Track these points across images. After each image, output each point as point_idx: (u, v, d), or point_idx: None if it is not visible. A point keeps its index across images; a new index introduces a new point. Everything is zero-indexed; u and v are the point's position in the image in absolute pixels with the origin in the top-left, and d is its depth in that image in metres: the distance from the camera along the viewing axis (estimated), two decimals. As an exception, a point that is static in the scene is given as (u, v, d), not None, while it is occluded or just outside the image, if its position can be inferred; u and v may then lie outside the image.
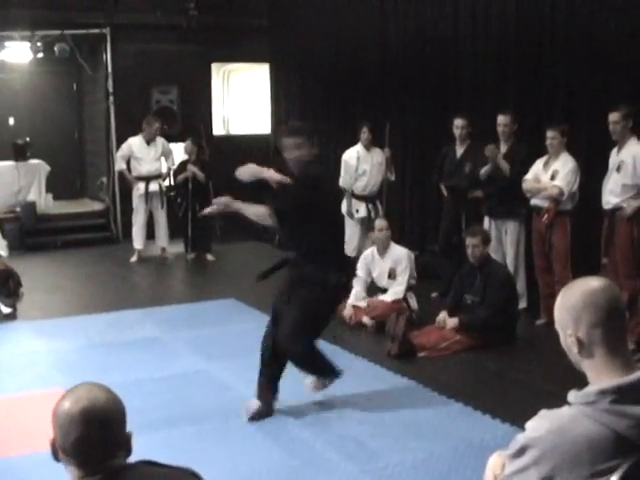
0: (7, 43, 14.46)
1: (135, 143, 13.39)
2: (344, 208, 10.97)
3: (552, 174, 8.73)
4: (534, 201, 8.93)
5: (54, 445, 2.49)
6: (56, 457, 2.50)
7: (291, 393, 6.91)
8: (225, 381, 7.41)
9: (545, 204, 8.77)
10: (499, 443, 5.42)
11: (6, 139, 15.95)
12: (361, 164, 11.01)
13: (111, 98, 15.38)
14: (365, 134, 11.00)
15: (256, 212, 6.49)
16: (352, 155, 11.09)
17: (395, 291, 9.20)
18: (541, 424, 2.57)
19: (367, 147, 11.05)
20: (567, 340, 2.66)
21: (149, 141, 13.34)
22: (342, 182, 11.04)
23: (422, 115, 11.88)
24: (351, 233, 10.91)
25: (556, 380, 6.66)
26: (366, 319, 9.04)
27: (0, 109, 16.66)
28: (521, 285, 9.44)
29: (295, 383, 6.69)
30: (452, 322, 8.34)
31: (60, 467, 5.67)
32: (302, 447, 5.93)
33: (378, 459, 5.68)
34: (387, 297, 9.22)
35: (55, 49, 14.47)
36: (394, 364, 7.76)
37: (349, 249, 11.24)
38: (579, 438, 2.48)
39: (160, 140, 13.52)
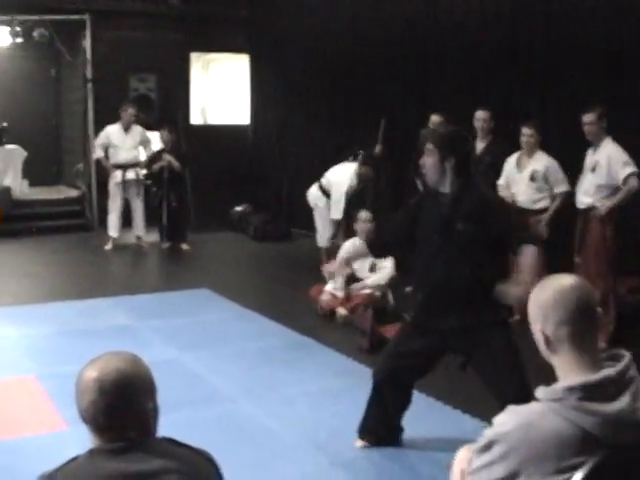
0: (-14, 27, 14.36)
1: (113, 131, 13.32)
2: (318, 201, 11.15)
3: (532, 174, 8.74)
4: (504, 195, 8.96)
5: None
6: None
7: (261, 383, 6.95)
8: (196, 371, 7.39)
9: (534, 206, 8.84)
10: (469, 438, 5.43)
11: (-17, 124, 15.88)
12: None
13: (89, 85, 15.27)
14: None
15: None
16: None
17: (378, 277, 9.20)
18: (509, 419, 2.59)
19: None
20: (537, 336, 2.69)
21: (127, 129, 13.29)
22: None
23: (401, 110, 11.88)
24: (324, 224, 11.09)
25: (529, 377, 6.69)
26: (340, 309, 9.05)
27: (-23, 94, 16.59)
28: (497, 283, 9.47)
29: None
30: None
31: (28, 454, 5.65)
32: (270, 436, 5.94)
33: (348, 451, 5.68)
34: (369, 281, 9.23)
35: (34, 34, 14.37)
36: (366, 358, 7.77)
37: (323, 239, 11.29)
38: (546, 434, 2.50)
39: (138, 128, 13.46)
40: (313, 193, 11.24)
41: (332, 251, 10.86)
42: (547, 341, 2.65)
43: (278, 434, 6.00)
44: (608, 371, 2.57)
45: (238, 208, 15.49)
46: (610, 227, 8.12)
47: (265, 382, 7.06)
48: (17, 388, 6.98)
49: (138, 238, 13.66)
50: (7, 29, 14.45)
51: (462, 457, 2.89)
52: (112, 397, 2.47)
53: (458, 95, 10.74)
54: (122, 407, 2.48)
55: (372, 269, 9.30)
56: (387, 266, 9.21)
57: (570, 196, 8.66)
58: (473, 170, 8.82)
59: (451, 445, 5.61)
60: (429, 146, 5.36)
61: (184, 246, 13.54)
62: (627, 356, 2.65)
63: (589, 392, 2.50)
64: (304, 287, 10.02)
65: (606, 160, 8.01)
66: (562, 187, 8.71)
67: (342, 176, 10.86)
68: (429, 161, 5.35)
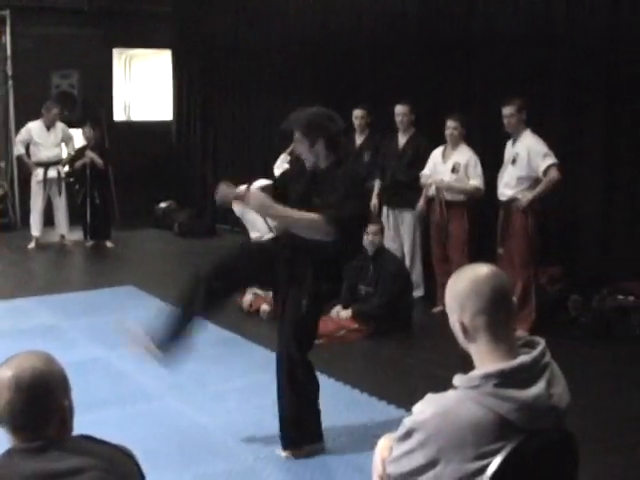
0: None
1: (34, 128, 13.16)
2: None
3: (453, 166, 8.87)
4: (432, 192, 9.08)
5: None
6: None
7: (189, 380, 6.95)
8: (123, 369, 7.34)
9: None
10: (395, 428, 5.49)
11: None
12: None
13: (10, 82, 15.07)
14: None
15: (309, 221, 5.18)
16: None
17: None
18: (427, 407, 2.63)
19: None
20: (454, 325, 2.74)
21: (49, 126, 13.15)
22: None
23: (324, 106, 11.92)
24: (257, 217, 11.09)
25: (450, 366, 6.77)
26: (264, 305, 9.06)
27: None
28: (418, 274, 9.59)
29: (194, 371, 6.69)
30: (346, 314, 8.43)
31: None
32: (198, 433, 5.95)
33: (275, 445, 5.70)
34: None
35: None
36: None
37: (263, 231, 11.22)
38: (464, 421, 2.54)
39: (60, 125, 13.33)
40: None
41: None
42: (464, 330, 2.69)
43: (206, 430, 6.00)
44: (524, 358, 2.62)
45: (162, 204, 15.42)
46: (532, 218, 8.24)
47: (193, 378, 7.04)
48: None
49: (61, 237, 13.52)
50: None
51: (383, 446, 2.92)
52: (29, 395, 2.46)
53: (382, 90, 10.81)
54: (39, 405, 2.48)
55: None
56: None
57: (480, 193, 8.83)
58: (395, 164, 8.95)
59: (373, 436, 5.70)
60: (297, 135, 5.42)
61: (108, 244, 13.44)
62: (542, 343, 2.71)
63: (505, 379, 2.56)
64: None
65: (526, 152, 8.14)
66: (475, 181, 8.85)
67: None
68: (301, 148, 5.44)
